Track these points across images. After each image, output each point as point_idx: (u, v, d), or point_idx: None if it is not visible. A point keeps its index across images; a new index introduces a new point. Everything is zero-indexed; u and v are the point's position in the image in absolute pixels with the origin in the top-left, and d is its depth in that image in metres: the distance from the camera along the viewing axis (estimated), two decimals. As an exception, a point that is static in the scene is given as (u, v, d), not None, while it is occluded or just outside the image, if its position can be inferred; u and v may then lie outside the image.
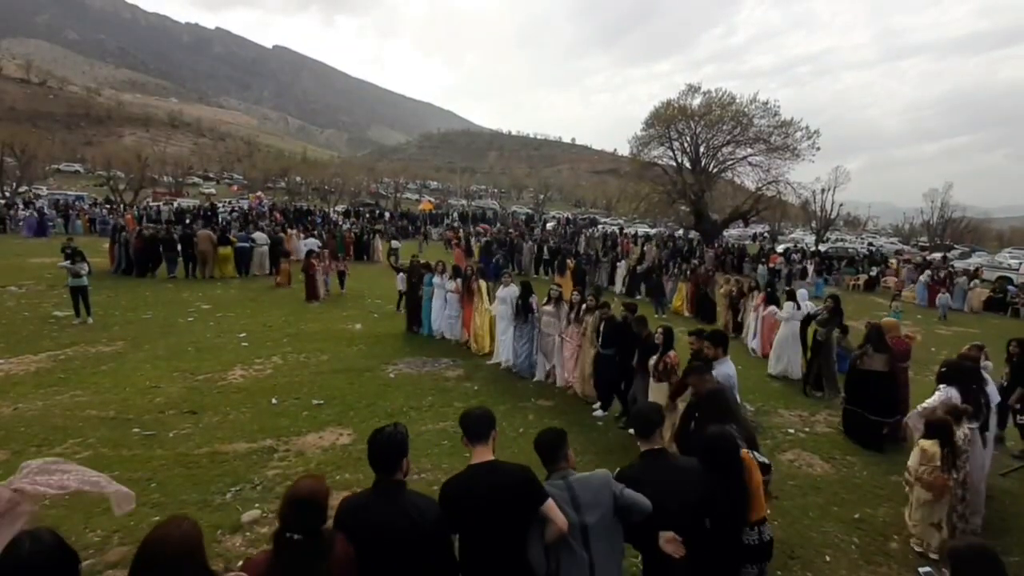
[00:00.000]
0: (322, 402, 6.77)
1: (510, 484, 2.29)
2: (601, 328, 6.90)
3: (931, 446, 4.20)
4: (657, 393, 5.79)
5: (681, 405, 5.62)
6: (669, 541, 2.43)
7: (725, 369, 4.63)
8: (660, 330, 6.04)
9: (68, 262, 10.19)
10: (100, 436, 5.57)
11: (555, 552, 2.34)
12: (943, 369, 5.03)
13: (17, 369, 7.56)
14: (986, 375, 5.43)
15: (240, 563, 2.01)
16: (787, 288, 10.26)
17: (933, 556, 4.08)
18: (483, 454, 2.40)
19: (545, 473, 2.54)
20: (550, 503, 2.29)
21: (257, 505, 4.41)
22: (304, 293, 13.46)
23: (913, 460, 4.35)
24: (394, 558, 2.10)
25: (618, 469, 2.73)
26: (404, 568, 2.13)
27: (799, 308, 9.21)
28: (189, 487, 4.67)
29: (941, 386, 4.90)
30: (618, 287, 17.79)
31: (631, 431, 5.82)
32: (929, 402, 4.85)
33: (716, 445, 2.82)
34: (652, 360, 5.93)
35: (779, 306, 10.05)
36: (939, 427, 4.23)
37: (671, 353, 5.81)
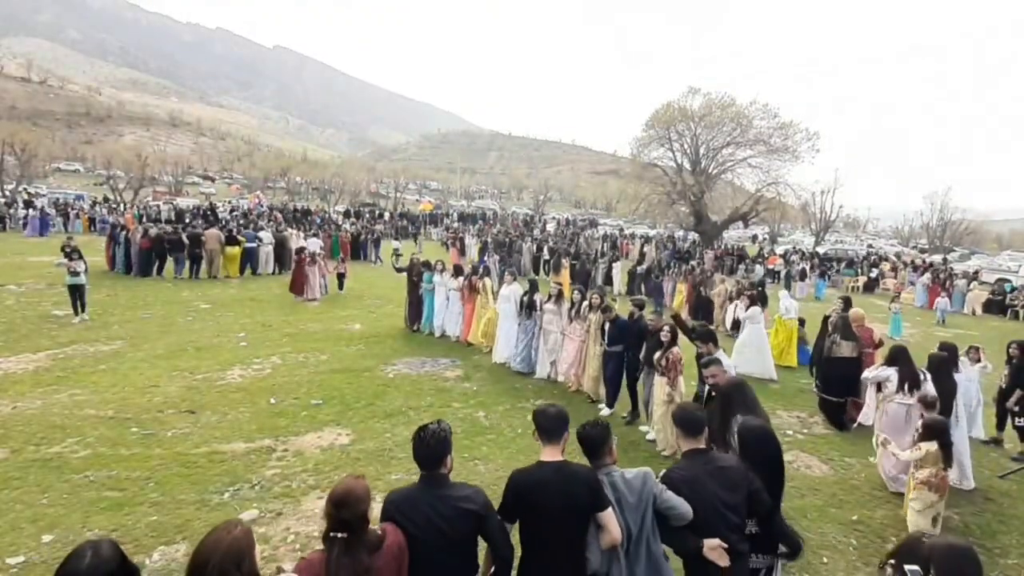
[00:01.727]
0: (321, 402, 6.77)
1: (577, 486, 2.33)
2: (606, 328, 6.98)
3: (931, 447, 4.21)
4: (660, 387, 5.89)
5: (677, 398, 5.70)
6: (713, 549, 2.40)
7: (724, 361, 4.66)
8: (667, 326, 6.10)
9: (66, 260, 10.20)
10: (99, 435, 5.57)
11: (606, 554, 2.37)
12: (888, 353, 5.80)
13: (16, 367, 7.56)
14: (961, 366, 6.10)
15: (295, 563, 2.05)
16: (749, 292, 10.57)
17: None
18: (553, 453, 2.44)
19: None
20: (609, 512, 2.32)
21: (255, 505, 4.41)
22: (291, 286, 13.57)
23: (909, 456, 4.36)
24: (445, 545, 2.14)
25: (663, 471, 2.65)
26: (455, 554, 2.18)
27: (763, 311, 9.56)
28: (187, 486, 4.67)
29: (884, 366, 5.67)
30: (616, 288, 17.85)
31: (648, 437, 5.94)
32: (867, 373, 5.92)
33: (757, 436, 2.80)
34: (657, 355, 6.01)
35: (764, 305, 10.50)
36: (936, 428, 4.27)
37: (675, 349, 5.88)
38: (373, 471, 5.07)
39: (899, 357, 5.56)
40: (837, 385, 6.93)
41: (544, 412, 2.51)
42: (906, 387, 5.33)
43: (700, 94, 31.00)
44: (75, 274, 10.05)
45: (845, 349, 7.01)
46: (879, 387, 5.65)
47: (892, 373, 5.48)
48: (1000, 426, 6.75)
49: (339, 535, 1.92)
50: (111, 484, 4.66)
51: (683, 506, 2.41)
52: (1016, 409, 6.34)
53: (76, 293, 10.13)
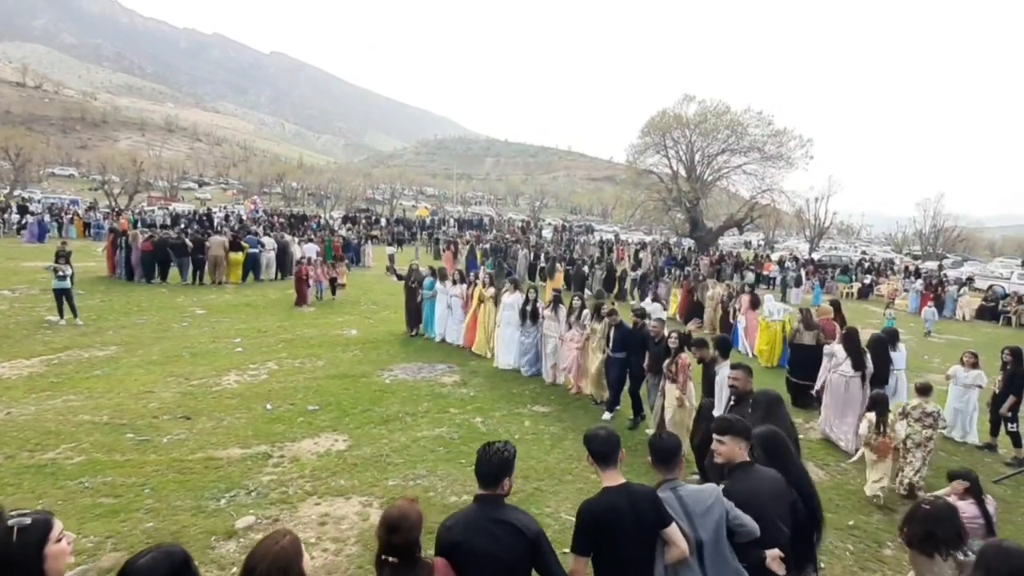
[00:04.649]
0: (317, 408, 6.74)
1: (645, 504, 2.35)
2: (611, 334, 7.04)
3: (873, 416, 5.13)
4: (670, 393, 5.94)
5: (690, 404, 5.73)
6: (775, 559, 2.44)
7: (727, 372, 4.68)
8: (675, 333, 6.14)
9: (55, 263, 10.16)
10: (93, 441, 5.53)
11: (673, 570, 2.37)
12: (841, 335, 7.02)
13: (10, 373, 7.50)
14: (900, 347, 7.19)
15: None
16: (653, 281, 10.99)
17: (876, 502, 5.02)
18: (614, 476, 2.44)
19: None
20: (674, 527, 2.34)
21: (251, 511, 4.39)
22: (296, 299, 13.43)
23: (863, 429, 5.27)
24: (499, 570, 2.15)
25: (720, 485, 2.66)
26: None
27: (666, 309, 10.11)
28: (183, 493, 4.64)
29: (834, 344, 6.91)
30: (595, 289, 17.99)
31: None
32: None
33: (770, 444, 2.85)
34: (665, 362, 6.06)
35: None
36: (876, 400, 5.28)
37: (683, 355, 5.93)
38: (370, 477, 5.06)
39: (847, 340, 6.71)
40: (800, 368, 7.93)
41: (595, 438, 2.49)
42: (850, 364, 6.47)
43: (695, 101, 31.28)
44: (61, 278, 10.00)
45: (807, 337, 8.05)
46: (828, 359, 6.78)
47: (839, 348, 6.70)
48: (994, 431, 6.79)
49: (390, 559, 1.97)
50: (106, 490, 4.62)
51: (751, 524, 2.45)
52: (1009, 415, 6.39)
53: (62, 296, 10.08)
